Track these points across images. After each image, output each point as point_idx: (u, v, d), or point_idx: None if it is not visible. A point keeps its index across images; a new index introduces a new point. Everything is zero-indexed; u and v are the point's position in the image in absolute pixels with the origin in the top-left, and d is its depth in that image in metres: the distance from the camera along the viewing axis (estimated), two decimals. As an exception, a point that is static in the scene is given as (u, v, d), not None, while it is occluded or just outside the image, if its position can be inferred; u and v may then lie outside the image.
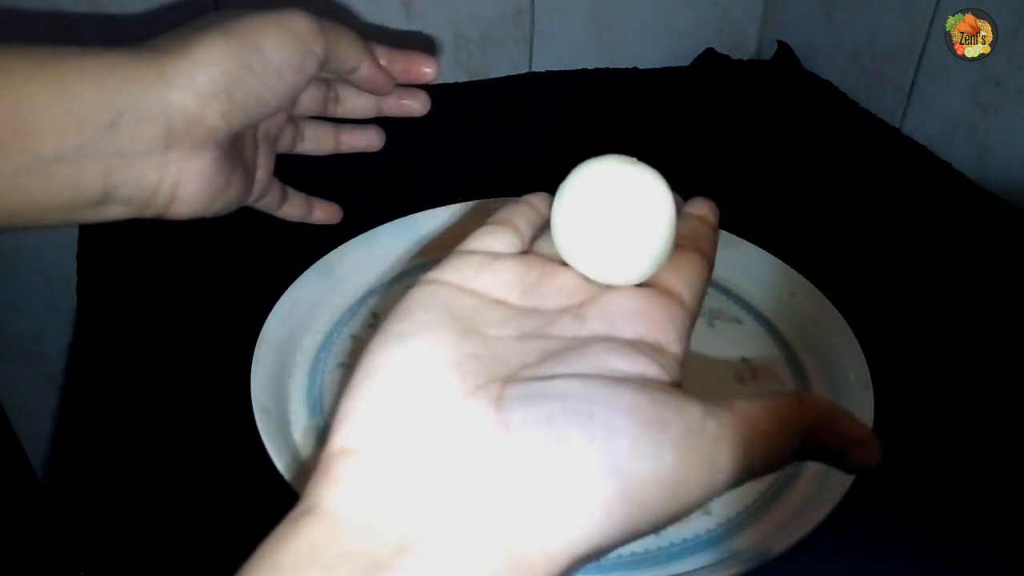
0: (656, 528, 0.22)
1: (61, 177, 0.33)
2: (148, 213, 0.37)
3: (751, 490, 0.40)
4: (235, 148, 0.39)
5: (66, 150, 0.32)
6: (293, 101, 0.41)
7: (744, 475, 0.23)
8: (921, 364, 0.48)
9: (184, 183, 0.36)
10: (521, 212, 0.31)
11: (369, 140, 0.49)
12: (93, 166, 0.33)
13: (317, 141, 0.47)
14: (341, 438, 0.22)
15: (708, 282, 0.30)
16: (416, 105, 0.47)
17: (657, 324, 0.26)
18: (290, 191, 0.47)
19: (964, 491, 0.41)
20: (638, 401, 0.22)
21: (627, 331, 0.26)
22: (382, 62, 0.44)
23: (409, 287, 0.27)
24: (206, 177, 0.37)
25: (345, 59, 0.41)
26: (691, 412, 0.23)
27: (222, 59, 0.35)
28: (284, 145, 0.45)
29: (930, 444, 0.43)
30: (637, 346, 0.25)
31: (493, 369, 0.23)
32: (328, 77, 0.44)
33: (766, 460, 0.24)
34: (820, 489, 0.39)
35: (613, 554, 0.36)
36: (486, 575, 0.20)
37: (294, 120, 0.46)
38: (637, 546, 0.37)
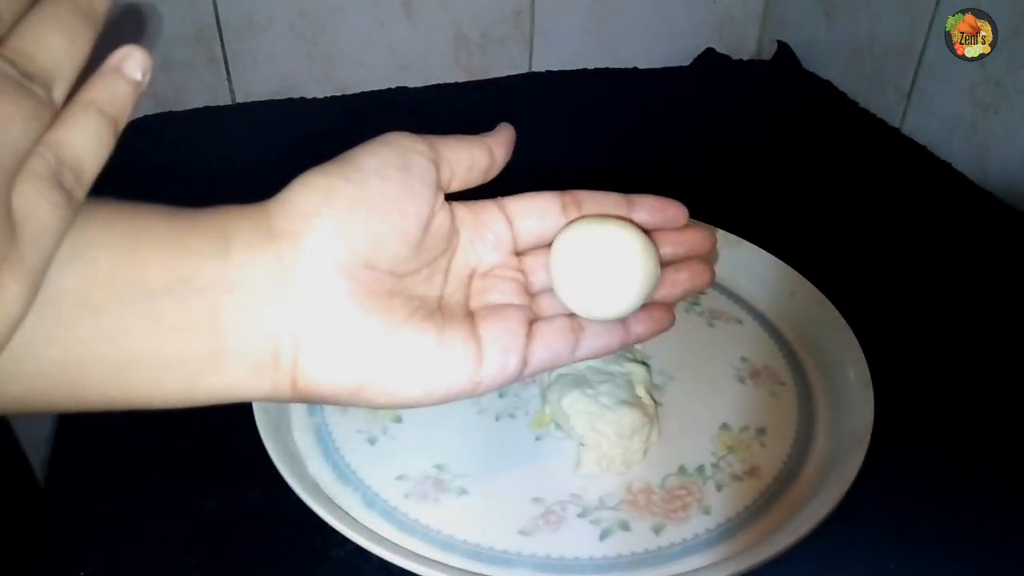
0: None
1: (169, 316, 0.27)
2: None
3: (751, 490, 0.40)
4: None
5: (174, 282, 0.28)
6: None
7: None
8: (921, 364, 0.48)
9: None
10: None
11: None
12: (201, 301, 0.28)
13: None
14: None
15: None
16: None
17: None
18: None
19: (964, 491, 0.41)
20: None
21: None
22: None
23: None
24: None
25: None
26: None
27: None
28: None
29: (930, 443, 0.43)
30: None
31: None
32: None
33: None
34: (820, 489, 0.39)
35: (613, 554, 0.37)
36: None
37: None
38: (637, 546, 0.37)
